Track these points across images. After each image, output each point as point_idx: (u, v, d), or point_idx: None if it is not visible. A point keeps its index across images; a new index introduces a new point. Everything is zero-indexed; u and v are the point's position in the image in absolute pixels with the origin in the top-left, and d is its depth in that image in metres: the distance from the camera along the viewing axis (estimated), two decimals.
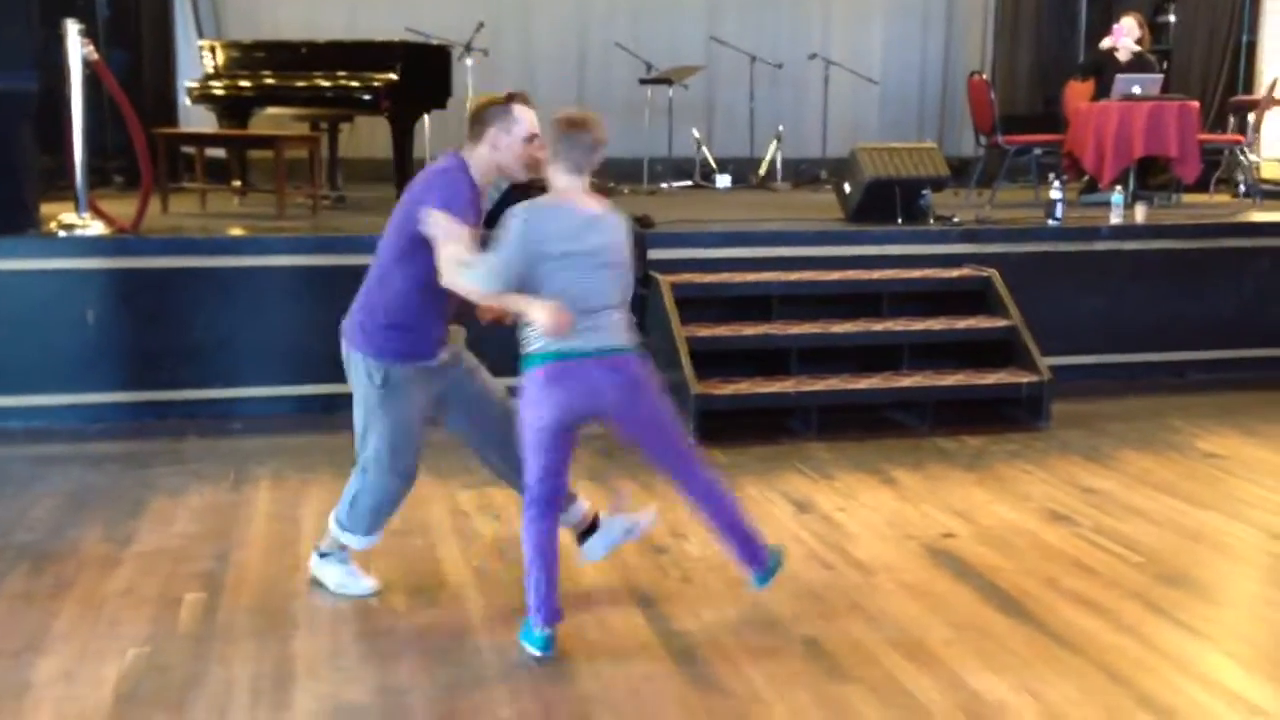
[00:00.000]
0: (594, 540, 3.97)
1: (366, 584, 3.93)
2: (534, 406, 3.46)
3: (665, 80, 9.82)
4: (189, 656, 3.46)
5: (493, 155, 3.60)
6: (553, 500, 3.54)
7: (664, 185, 9.67)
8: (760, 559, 3.70)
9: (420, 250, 3.54)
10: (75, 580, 3.99)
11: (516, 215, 3.38)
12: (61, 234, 6.12)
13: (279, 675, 3.35)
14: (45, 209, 6.40)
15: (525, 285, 3.37)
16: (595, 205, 3.49)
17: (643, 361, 3.56)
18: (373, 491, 3.80)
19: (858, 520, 4.67)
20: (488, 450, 3.95)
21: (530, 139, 3.60)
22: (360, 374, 3.71)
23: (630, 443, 3.74)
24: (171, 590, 3.92)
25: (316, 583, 3.96)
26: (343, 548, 3.93)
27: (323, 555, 3.96)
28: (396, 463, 3.76)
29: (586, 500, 4.02)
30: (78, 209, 6.22)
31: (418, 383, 3.73)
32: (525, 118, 3.60)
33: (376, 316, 3.69)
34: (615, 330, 3.47)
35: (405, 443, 3.76)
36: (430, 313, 3.68)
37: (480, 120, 3.62)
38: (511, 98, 3.63)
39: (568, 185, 3.44)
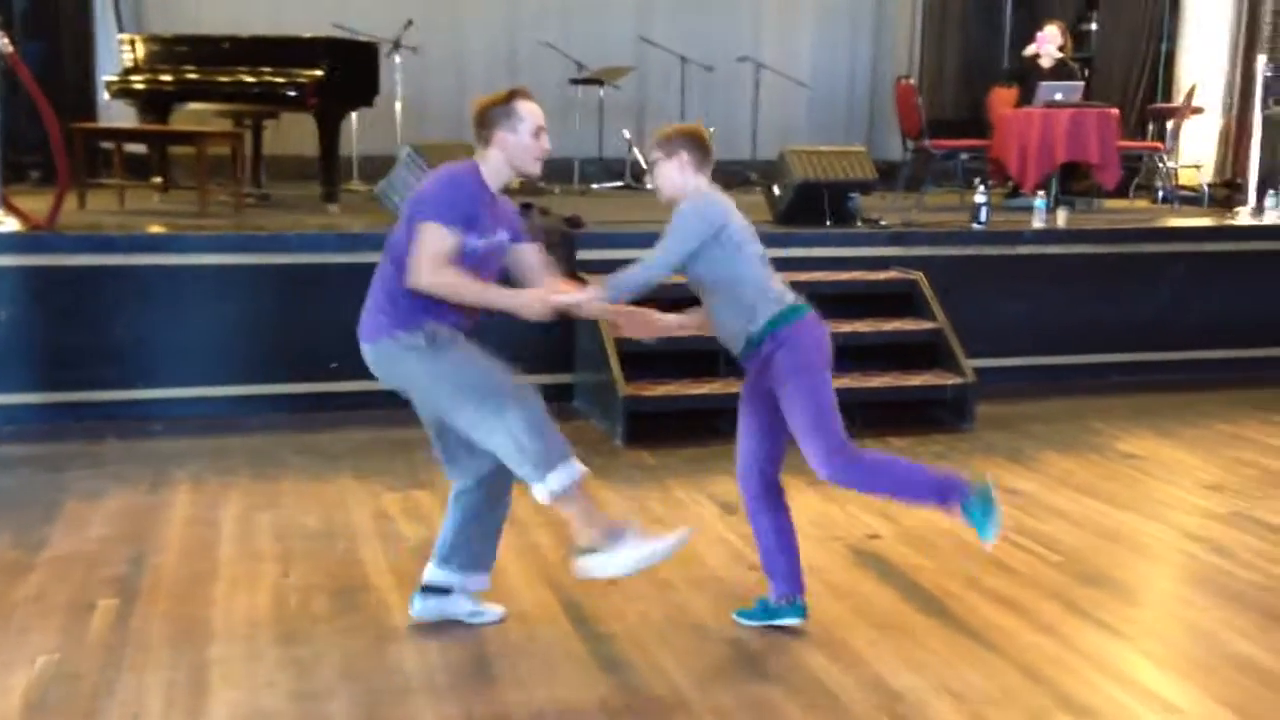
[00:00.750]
0: (432, 603, 3.72)
1: (667, 541, 3.49)
2: (815, 354, 3.59)
3: (596, 81, 9.80)
4: (100, 664, 3.37)
5: (503, 156, 3.52)
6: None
7: (594, 186, 9.65)
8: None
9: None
10: None
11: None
12: None
13: (194, 683, 3.28)
14: None
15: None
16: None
17: None
18: (521, 431, 3.35)
19: None
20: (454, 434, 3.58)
21: (538, 133, 3.54)
22: (404, 358, 3.42)
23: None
24: (84, 596, 3.82)
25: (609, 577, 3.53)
26: (605, 523, 3.48)
27: (589, 552, 3.45)
28: (503, 393, 3.38)
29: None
30: None
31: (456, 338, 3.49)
32: (529, 113, 3.53)
33: (398, 300, 3.44)
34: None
35: (490, 372, 3.42)
36: (447, 303, 3.46)
37: (484, 123, 3.52)
38: (513, 95, 3.56)
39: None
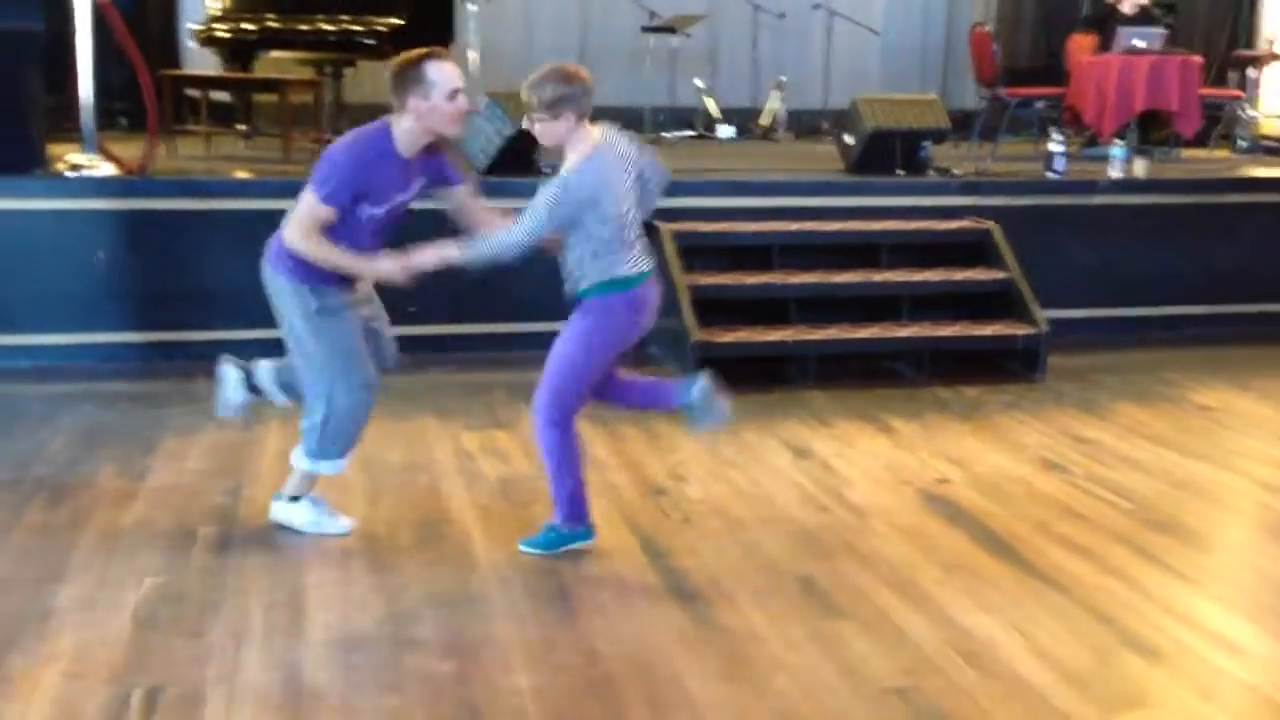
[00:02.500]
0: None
1: (343, 523, 4.00)
2: (620, 331, 3.69)
3: (668, 29, 9.79)
4: (204, 586, 3.57)
5: (419, 124, 3.59)
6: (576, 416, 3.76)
7: (665, 135, 9.68)
8: (677, 394, 3.92)
9: (354, 217, 3.64)
10: (91, 513, 4.09)
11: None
12: (70, 174, 6.15)
13: (292, 604, 3.46)
14: (52, 149, 6.43)
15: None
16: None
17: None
18: (331, 415, 3.85)
19: (855, 466, 4.77)
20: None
21: (453, 95, 3.58)
22: (291, 300, 3.75)
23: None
24: (186, 524, 4.03)
25: (282, 528, 3.98)
26: (312, 487, 3.98)
27: (293, 500, 3.99)
28: (340, 378, 3.80)
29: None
30: (85, 149, 6.26)
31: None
32: (442, 76, 3.56)
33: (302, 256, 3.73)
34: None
35: (349, 355, 3.81)
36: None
37: (397, 88, 3.57)
38: (424, 57, 3.58)
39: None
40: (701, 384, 3.87)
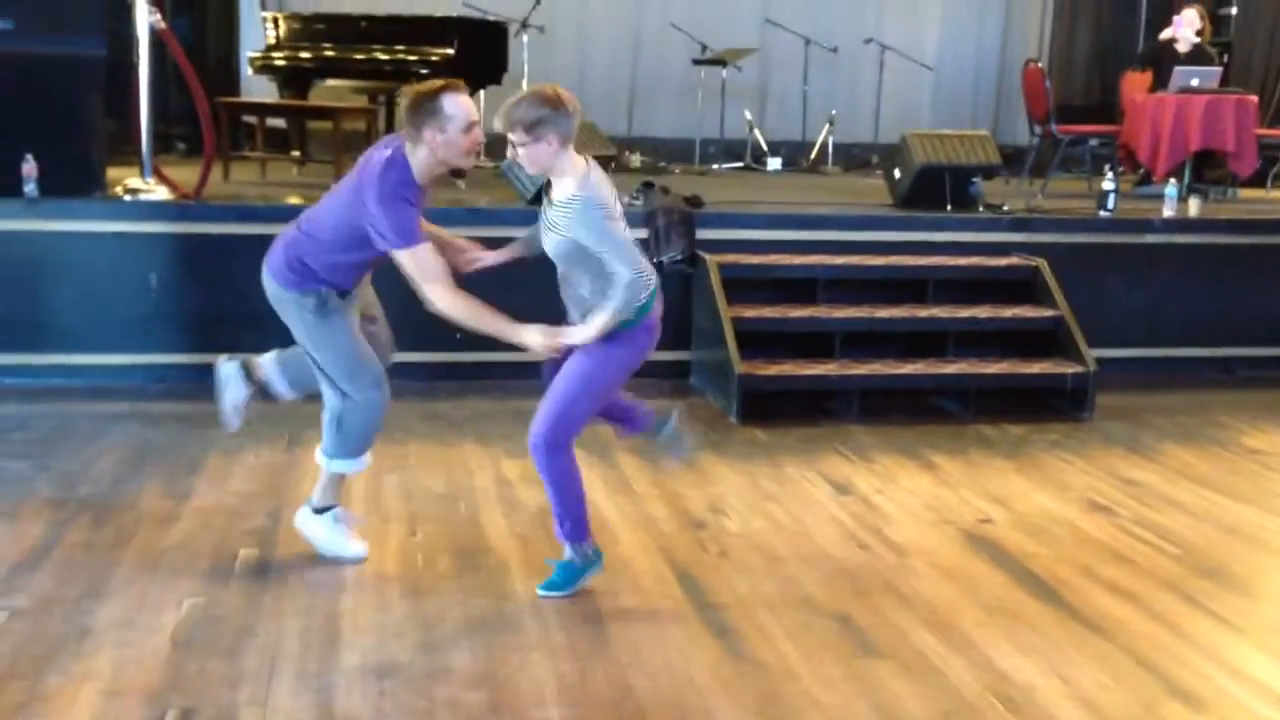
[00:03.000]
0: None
1: (356, 548, 3.97)
2: (637, 355, 3.65)
3: (719, 61, 9.85)
4: (242, 608, 3.59)
5: (433, 156, 3.59)
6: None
7: (715, 166, 9.72)
8: (647, 426, 3.93)
9: (365, 246, 3.65)
10: (135, 532, 4.14)
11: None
12: (127, 198, 6.28)
13: (328, 630, 3.48)
14: (111, 173, 6.57)
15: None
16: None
17: None
18: (348, 414, 3.84)
19: (896, 503, 4.72)
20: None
21: (468, 128, 3.58)
22: (292, 308, 3.78)
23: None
24: (226, 545, 4.07)
25: (304, 537, 3.99)
26: (338, 494, 3.98)
27: (317, 510, 3.98)
28: (354, 375, 3.81)
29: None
30: (143, 174, 6.39)
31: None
32: (458, 110, 3.56)
33: (297, 266, 3.75)
34: None
35: (354, 352, 3.83)
36: (340, 272, 3.79)
37: (413, 121, 3.57)
38: (441, 90, 3.58)
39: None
40: (671, 428, 3.95)
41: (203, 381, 6.00)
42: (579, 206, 3.47)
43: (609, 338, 3.57)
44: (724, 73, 9.86)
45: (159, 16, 6.37)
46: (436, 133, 3.56)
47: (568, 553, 3.78)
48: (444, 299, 3.59)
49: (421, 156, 3.61)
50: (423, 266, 3.58)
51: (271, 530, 4.21)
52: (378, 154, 3.67)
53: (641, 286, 3.53)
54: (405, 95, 3.69)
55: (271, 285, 3.84)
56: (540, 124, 3.43)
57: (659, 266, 5.78)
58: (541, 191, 3.79)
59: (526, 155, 3.50)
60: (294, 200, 6.75)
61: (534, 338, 3.59)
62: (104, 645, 3.33)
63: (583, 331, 3.55)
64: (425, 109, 3.56)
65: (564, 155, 3.51)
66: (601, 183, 3.55)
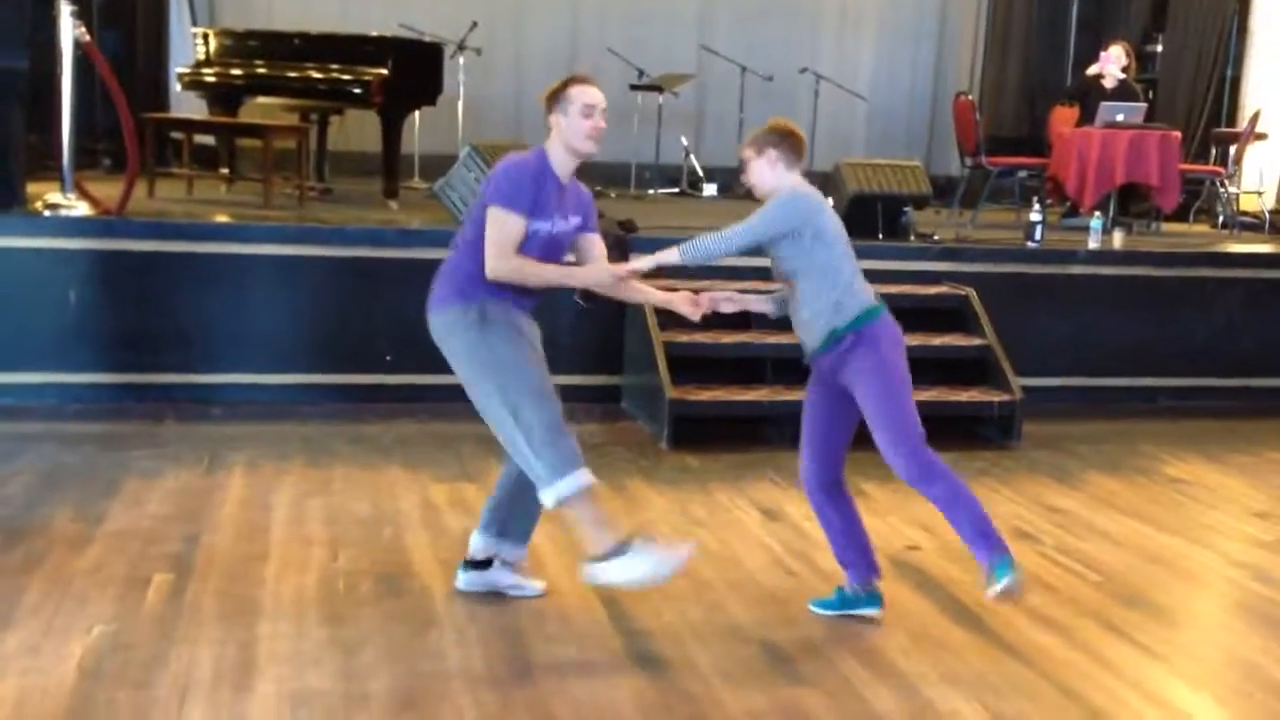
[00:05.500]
0: (474, 575, 3.93)
1: (681, 552, 3.60)
2: (891, 343, 3.74)
3: (656, 87, 9.88)
4: (153, 636, 3.48)
5: (559, 139, 3.68)
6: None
7: (651, 191, 9.72)
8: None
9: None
10: (45, 556, 4.01)
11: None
12: (46, 213, 6.12)
13: (242, 658, 3.38)
14: (31, 188, 6.42)
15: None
16: None
17: None
18: (534, 434, 3.49)
19: None
20: None
21: (588, 112, 3.65)
22: (454, 330, 3.60)
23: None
24: (140, 570, 3.95)
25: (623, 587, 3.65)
26: (601, 526, 3.53)
27: (605, 558, 3.51)
28: (525, 392, 3.54)
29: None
30: (63, 189, 6.24)
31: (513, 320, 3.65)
32: (580, 94, 3.66)
33: (458, 275, 3.64)
34: None
35: (522, 368, 3.60)
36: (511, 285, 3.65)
37: (548, 110, 3.70)
38: (570, 81, 3.71)
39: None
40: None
41: (120, 401, 5.92)
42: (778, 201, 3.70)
43: (864, 366, 3.66)
44: (661, 98, 9.89)
45: (84, 29, 6.25)
46: (560, 116, 3.65)
47: (985, 560, 3.59)
48: (500, 268, 3.54)
49: (554, 144, 3.68)
50: (501, 234, 3.54)
51: (188, 555, 4.10)
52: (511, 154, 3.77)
53: (727, 251, 3.64)
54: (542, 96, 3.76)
55: (434, 319, 3.65)
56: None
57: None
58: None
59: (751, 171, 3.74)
60: (221, 218, 6.64)
61: (600, 272, 3.74)
62: (8, 674, 3.21)
63: (644, 260, 3.66)
64: (554, 96, 3.68)
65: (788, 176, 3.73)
66: (815, 193, 3.73)
